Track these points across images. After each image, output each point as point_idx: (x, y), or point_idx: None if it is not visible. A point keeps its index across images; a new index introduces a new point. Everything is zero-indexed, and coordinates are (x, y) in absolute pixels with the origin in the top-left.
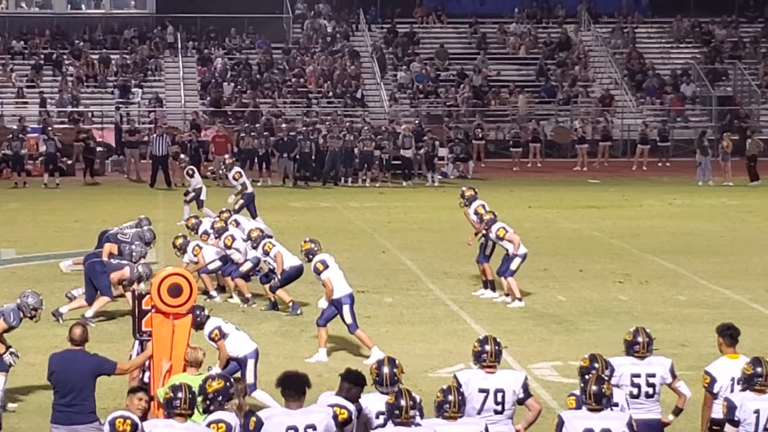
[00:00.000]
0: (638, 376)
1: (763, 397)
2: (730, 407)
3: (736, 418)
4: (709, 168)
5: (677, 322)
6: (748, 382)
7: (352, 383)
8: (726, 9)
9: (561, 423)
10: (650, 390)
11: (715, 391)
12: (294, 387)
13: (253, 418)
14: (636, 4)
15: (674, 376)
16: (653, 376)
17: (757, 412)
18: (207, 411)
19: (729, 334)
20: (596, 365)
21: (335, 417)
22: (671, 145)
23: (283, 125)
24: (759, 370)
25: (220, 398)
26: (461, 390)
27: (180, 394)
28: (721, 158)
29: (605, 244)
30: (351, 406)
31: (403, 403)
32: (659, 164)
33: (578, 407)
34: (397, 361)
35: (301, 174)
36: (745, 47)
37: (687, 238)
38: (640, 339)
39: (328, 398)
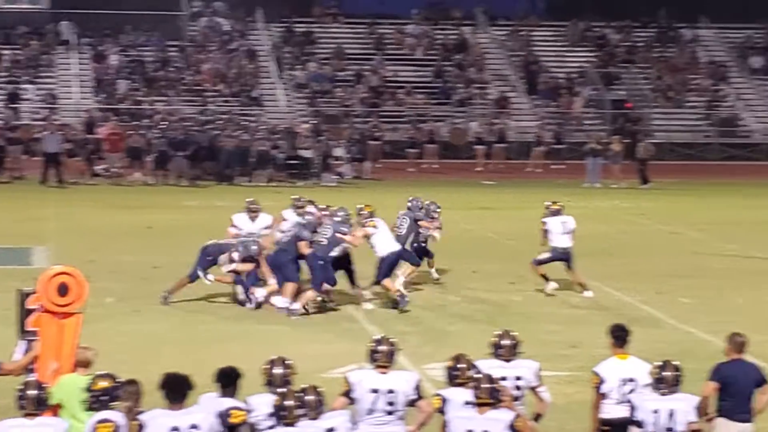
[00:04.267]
0: (505, 379)
1: (664, 398)
2: (632, 408)
3: (637, 419)
4: (597, 171)
5: (569, 323)
6: (654, 384)
7: (225, 380)
8: (620, 14)
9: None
10: (517, 393)
11: (603, 391)
12: (175, 389)
13: (135, 422)
14: (532, 8)
15: (539, 380)
16: (520, 379)
17: (656, 411)
18: (91, 409)
19: (619, 335)
20: (460, 366)
21: (224, 415)
22: (566, 147)
23: (182, 124)
24: (665, 374)
25: (105, 398)
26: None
27: (29, 392)
28: (611, 161)
29: (500, 246)
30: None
31: (288, 403)
32: (554, 167)
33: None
34: (288, 362)
35: (195, 173)
36: (639, 51)
37: (580, 241)
38: (505, 342)
39: (217, 401)
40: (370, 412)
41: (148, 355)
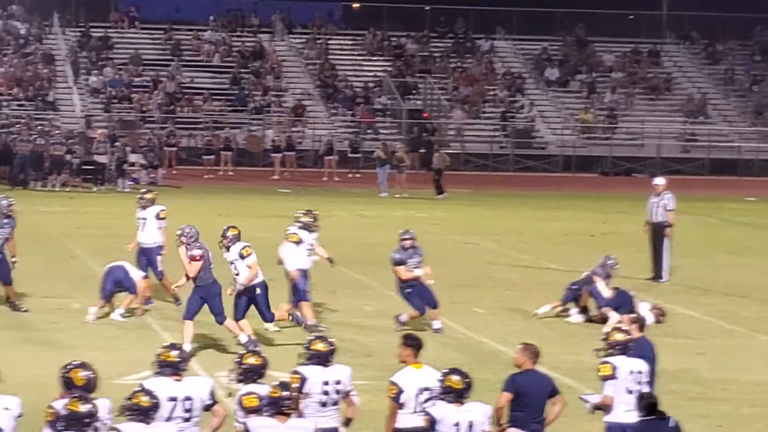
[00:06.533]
0: (327, 383)
1: (462, 409)
2: (432, 421)
3: (438, 431)
4: (383, 180)
5: (363, 332)
6: (443, 392)
7: None
8: (417, 24)
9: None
10: (336, 398)
11: (401, 401)
12: None
13: None
14: (330, 16)
15: (351, 385)
16: (339, 383)
17: (457, 424)
18: None
19: (413, 345)
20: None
21: None
22: (362, 156)
23: None
24: (454, 379)
25: None
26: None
27: None
28: (397, 171)
29: None
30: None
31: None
32: (350, 175)
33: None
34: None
35: None
36: (435, 62)
37: (375, 249)
38: (323, 346)
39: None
40: (168, 419)
41: None
